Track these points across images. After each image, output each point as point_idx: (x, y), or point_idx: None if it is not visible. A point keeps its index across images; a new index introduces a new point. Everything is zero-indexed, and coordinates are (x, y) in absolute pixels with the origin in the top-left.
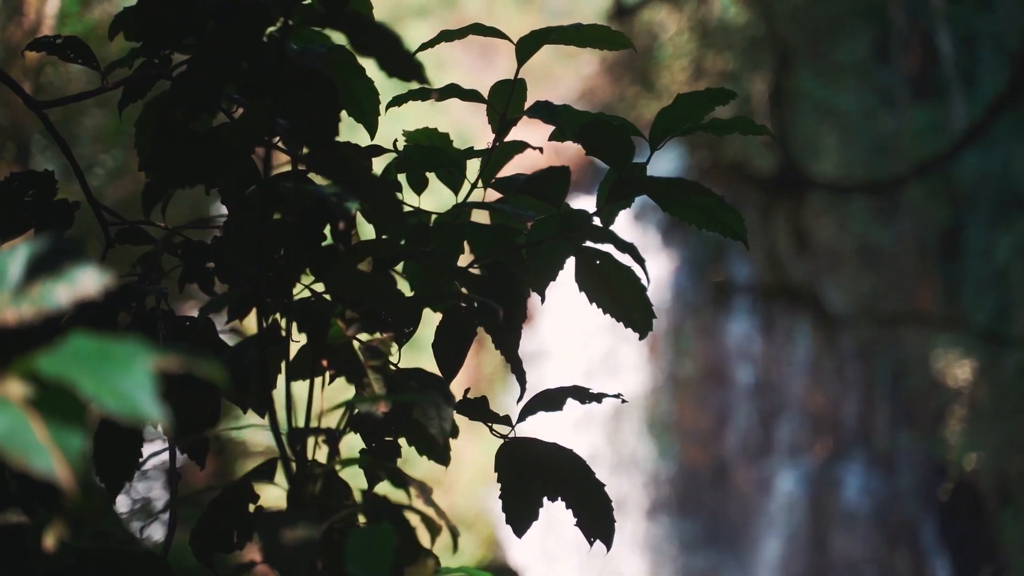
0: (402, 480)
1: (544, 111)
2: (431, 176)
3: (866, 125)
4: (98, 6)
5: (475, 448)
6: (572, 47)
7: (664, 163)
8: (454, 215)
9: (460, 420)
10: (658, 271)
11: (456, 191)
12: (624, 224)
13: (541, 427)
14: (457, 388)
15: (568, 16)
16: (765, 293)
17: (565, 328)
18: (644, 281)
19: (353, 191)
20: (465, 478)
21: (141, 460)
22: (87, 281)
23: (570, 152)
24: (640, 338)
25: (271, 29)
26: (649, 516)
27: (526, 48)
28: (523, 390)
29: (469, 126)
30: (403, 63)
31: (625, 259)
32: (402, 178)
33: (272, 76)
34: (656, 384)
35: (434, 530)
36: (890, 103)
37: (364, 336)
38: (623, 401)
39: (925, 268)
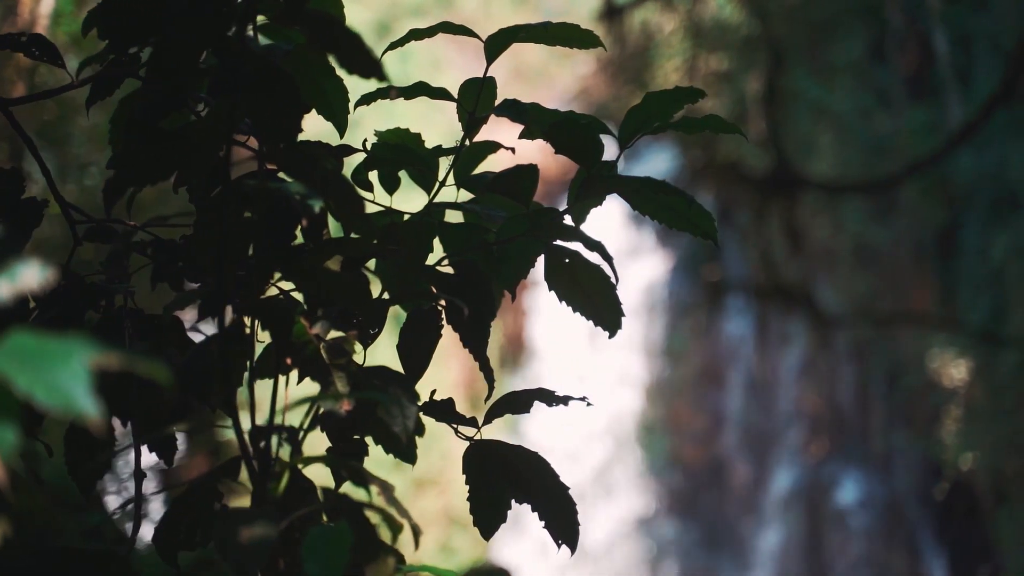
0: (363, 479)
1: (512, 110)
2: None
3: (862, 125)
4: (93, 6)
5: None
6: (568, 47)
7: (658, 163)
8: (424, 214)
9: None
10: (653, 271)
11: (428, 190)
12: (618, 224)
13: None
14: (456, 388)
15: (564, 16)
16: (760, 293)
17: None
18: (613, 279)
19: (316, 188)
20: (461, 477)
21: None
22: (28, 276)
23: None
24: (610, 336)
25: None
26: (646, 515)
27: (495, 46)
28: (491, 391)
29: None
30: (362, 61)
31: (596, 258)
32: (375, 178)
33: (233, 73)
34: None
35: (395, 528)
36: (886, 103)
37: (328, 334)
38: (588, 404)
39: (921, 268)
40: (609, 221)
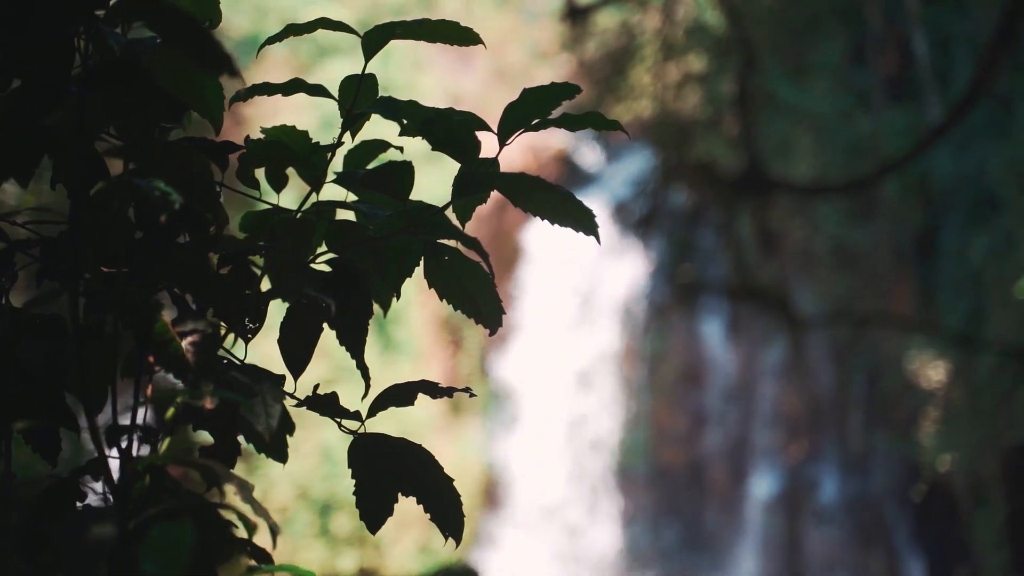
0: (215, 477)
1: (385, 107)
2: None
3: (842, 126)
4: None
5: (450, 450)
6: (550, 48)
7: (634, 163)
8: (307, 211)
9: (438, 424)
10: (633, 272)
11: (316, 188)
12: (601, 224)
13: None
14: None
15: (545, 16)
16: (734, 295)
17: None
18: (491, 277)
19: (176, 185)
20: None
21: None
22: None
23: (548, 154)
24: (490, 334)
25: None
26: (626, 517)
27: (372, 43)
28: (367, 387)
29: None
30: (211, 55)
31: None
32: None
33: (88, 68)
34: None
35: (250, 528)
36: (866, 104)
37: (194, 331)
38: (472, 395)
39: (900, 269)
40: None
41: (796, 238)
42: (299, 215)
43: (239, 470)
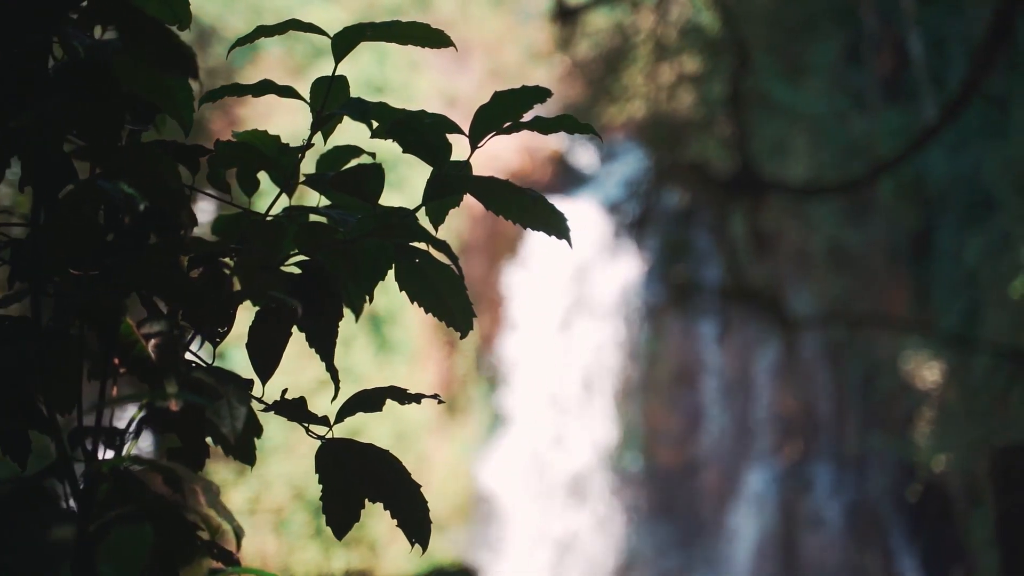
0: (177, 480)
1: (355, 108)
2: (406, 177)
3: (837, 127)
4: None
5: (446, 451)
6: (544, 48)
7: (625, 166)
8: (278, 214)
9: (433, 425)
10: (629, 273)
11: (288, 192)
12: (596, 225)
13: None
14: (430, 391)
15: (539, 17)
16: (727, 296)
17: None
18: (463, 280)
19: (142, 187)
20: (436, 479)
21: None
22: None
23: (543, 153)
24: (461, 337)
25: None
26: (621, 516)
27: (342, 44)
28: (336, 390)
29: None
30: (173, 57)
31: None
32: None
33: (53, 70)
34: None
35: (212, 530)
36: (861, 105)
37: (159, 333)
38: (440, 402)
39: (895, 270)
40: (586, 222)
41: (791, 239)
42: (269, 218)
43: (232, 472)
